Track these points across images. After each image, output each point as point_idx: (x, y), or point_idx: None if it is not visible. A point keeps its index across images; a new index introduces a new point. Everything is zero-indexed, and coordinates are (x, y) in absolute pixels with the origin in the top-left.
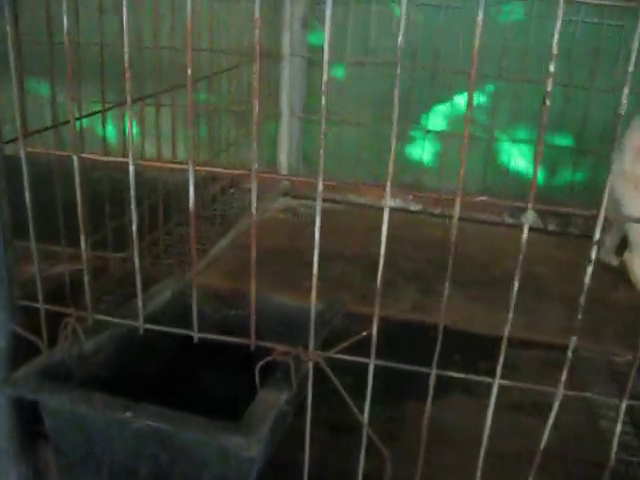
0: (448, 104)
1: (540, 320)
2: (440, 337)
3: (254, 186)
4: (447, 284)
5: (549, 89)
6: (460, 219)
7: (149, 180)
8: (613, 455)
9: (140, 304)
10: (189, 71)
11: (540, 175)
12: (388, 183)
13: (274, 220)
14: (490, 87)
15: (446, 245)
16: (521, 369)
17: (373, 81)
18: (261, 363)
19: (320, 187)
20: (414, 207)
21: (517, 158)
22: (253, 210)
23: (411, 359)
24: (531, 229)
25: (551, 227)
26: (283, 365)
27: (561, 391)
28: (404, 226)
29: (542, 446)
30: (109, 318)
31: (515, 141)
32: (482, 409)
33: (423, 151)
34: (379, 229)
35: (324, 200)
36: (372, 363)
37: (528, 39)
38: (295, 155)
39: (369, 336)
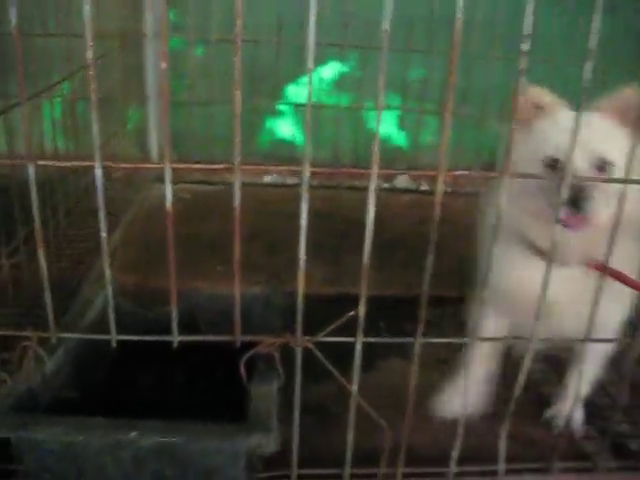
0: (314, 76)
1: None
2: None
3: (237, 178)
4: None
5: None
6: (337, 188)
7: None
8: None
9: (111, 316)
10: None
11: (406, 139)
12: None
13: (159, 208)
14: (355, 55)
15: (334, 215)
16: (439, 325)
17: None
18: (247, 356)
19: (307, 173)
20: (291, 181)
21: (386, 125)
22: (236, 203)
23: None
24: (406, 190)
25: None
26: (264, 356)
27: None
28: (285, 200)
29: None
30: (76, 335)
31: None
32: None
33: (292, 125)
34: (264, 207)
35: (198, 182)
36: (359, 342)
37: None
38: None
39: (354, 316)
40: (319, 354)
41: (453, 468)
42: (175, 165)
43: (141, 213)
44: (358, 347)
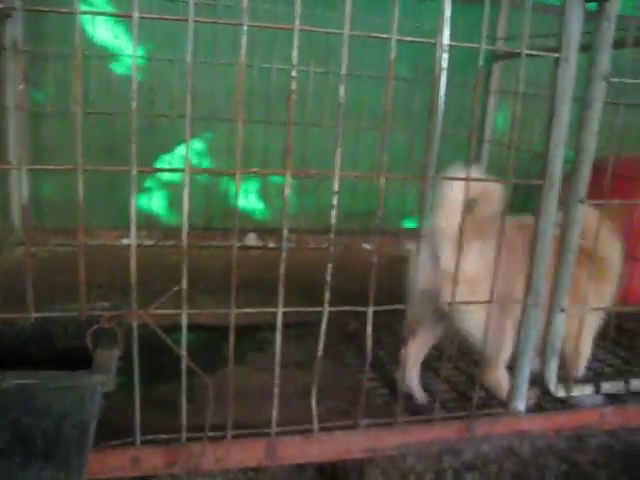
0: (172, 151)
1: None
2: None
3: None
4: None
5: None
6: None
7: None
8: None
9: None
10: None
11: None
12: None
13: (19, 266)
14: (208, 134)
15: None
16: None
17: (99, 129)
18: (92, 329)
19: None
20: (147, 242)
21: (241, 194)
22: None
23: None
24: (254, 247)
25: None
26: (106, 331)
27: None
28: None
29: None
30: None
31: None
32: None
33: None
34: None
35: (60, 245)
36: (184, 314)
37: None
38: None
39: (179, 291)
40: (154, 326)
41: (274, 428)
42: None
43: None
44: (184, 318)
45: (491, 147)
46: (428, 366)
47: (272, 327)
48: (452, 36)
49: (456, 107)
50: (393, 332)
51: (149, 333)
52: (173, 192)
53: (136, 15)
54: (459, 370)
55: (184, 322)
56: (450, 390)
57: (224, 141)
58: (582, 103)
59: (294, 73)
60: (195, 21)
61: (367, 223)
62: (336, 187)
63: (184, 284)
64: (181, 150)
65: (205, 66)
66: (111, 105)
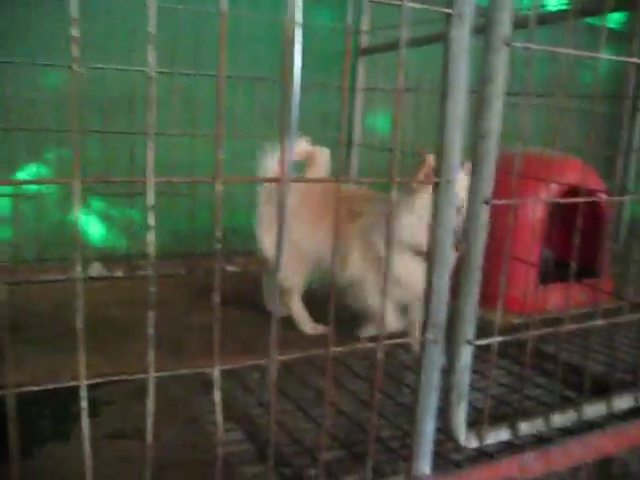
0: None
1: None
2: None
3: None
4: None
5: None
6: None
7: None
8: None
9: None
10: None
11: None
12: None
13: None
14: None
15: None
16: (116, 401)
17: None
18: None
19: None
20: None
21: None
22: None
23: None
24: (100, 278)
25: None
26: None
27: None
28: None
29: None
30: None
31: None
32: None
33: None
34: None
35: None
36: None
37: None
38: None
39: None
40: None
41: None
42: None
43: None
44: None
45: (361, 150)
46: (311, 419)
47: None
48: (314, 30)
49: (321, 109)
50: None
51: None
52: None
53: None
54: (350, 420)
55: None
56: (338, 446)
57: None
58: (480, 77)
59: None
60: None
61: (230, 242)
62: (151, 200)
63: None
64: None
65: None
66: None
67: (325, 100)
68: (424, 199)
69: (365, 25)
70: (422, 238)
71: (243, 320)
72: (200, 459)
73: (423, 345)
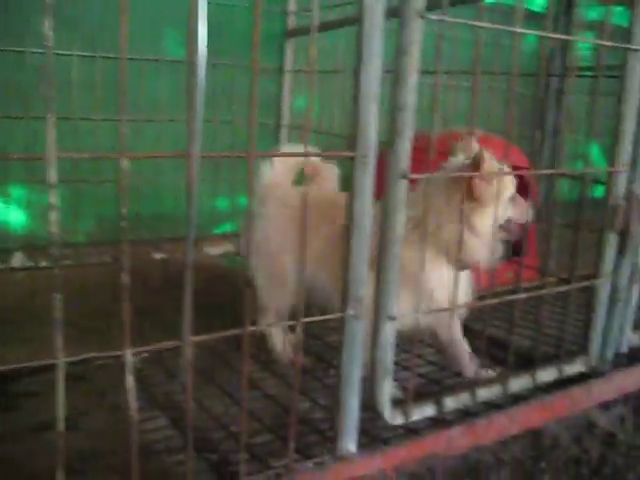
0: None
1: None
2: None
3: None
4: None
5: None
6: None
7: None
8: None
9: None
10: None
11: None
12: None
13: None
14: None
15: None
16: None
17: None
18: None
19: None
20: None
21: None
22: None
23: None
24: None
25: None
26: None
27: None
28: None
29: None
30: None
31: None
32: None
33: None
34: None
35: None
36: None
37: None
38: None
39: None
40: None
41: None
42: None
43: None
44: None
45: (290, 132)
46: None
47: None
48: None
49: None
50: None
51: None
52: None
53: None
54: (277, 404)
55: None
56: (265, 430)
57: None
58: (395, 49)
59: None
60: None
61: (157, 229)
62: (52, 177)
63: None
64: None
65: None
66: None
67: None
68: (487, 213)
69: (292, 6)
70: (482, 254)
71: (169, 306)
72: (122, 448)
73: (343, 322)
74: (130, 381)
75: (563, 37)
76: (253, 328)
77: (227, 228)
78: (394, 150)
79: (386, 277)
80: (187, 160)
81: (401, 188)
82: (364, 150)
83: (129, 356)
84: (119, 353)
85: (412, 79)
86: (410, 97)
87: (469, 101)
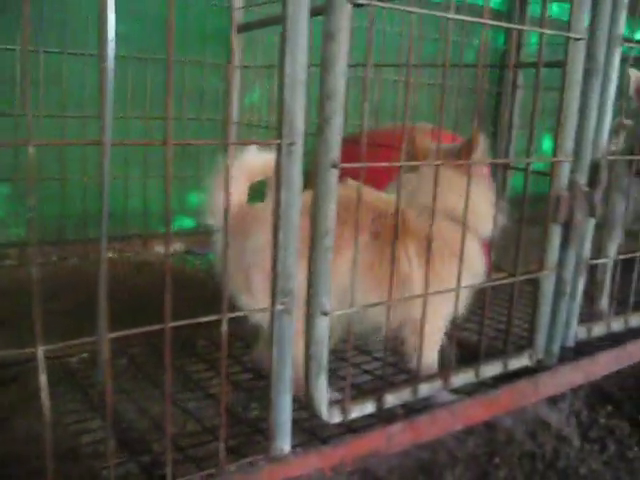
0: None
1: None
2: None
3: None
4: None
5: None
6: None
7: None
8: None
9: None
10: None
11: None
12: None
13: None
14: None
15: None
16: None
17: None
18: None
19: None
20: None
21: None
22: None
23: None
24: None
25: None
26: None
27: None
28: None
29: None
30: None
31: None
32: None
33: None
34: None
35: None
36: None
37: None
38: None
39: None
40: None
41: None
42: None
43: None
44: None
45: (240, 129)
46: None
47: None
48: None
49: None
50: None
51: None
52: None
53: None
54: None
55: None
56: (203, 431)
57: None
58: (323, 35)
59: None
60: None
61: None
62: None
63: None
64: None
65: None
66: None
67: (201, 77)
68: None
69: (239, 2)
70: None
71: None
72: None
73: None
74: (43, 380)
75: (505, 25)
76: (176, 324)
77: (177, 226)
78: (324, 139)
79: (319, 271)
80: (101, 148)
81: (331, 177)
82: (291, 138)
83: (40, 353)
84: (31, 350)
85: (340, 66)
86: (339, 84)
87: (428, 97)
